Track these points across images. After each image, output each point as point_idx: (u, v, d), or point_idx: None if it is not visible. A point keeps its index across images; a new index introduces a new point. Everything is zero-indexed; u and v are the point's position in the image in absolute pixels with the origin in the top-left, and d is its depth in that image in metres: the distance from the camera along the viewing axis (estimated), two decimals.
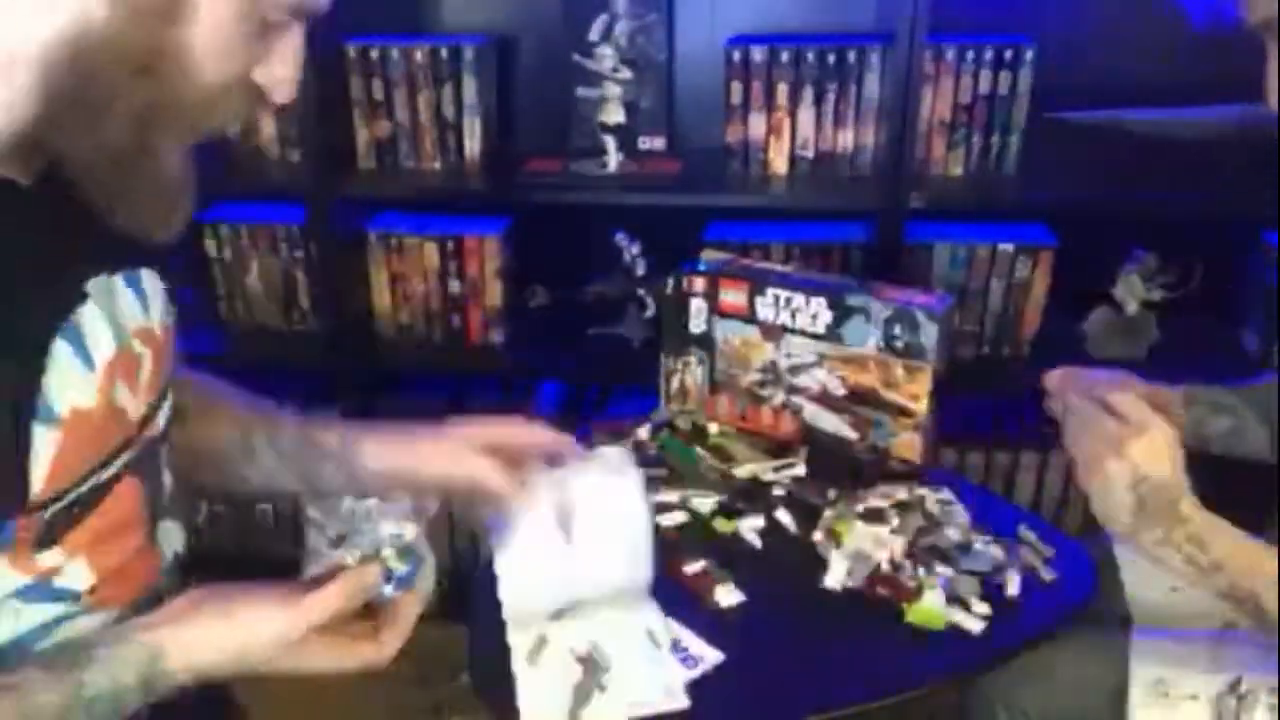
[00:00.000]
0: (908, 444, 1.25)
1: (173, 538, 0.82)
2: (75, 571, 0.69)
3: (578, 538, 0.91)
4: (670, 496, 1.21)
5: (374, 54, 1.77)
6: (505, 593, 1.02)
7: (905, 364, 1.21)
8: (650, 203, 1.79)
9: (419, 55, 1.77)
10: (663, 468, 1.28)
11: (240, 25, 0.59)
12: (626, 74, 1.75)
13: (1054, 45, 1.68)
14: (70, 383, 0.64)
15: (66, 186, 0.61)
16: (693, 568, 1.08)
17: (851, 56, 1.70)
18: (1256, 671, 0.97)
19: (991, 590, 1.04)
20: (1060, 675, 1.05)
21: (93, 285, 0.67)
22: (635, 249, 1.82)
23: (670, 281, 1.36)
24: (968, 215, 1.83)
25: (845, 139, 1.75)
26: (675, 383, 1.41)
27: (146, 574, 0.77)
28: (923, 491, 1.20)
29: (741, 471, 1.26)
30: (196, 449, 0.87)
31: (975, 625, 1.00)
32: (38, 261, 0.62)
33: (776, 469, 1.26)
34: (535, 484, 0.88)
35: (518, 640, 0.95)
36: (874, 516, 1.15)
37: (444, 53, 1.77)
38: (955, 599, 1.03)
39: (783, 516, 1.18)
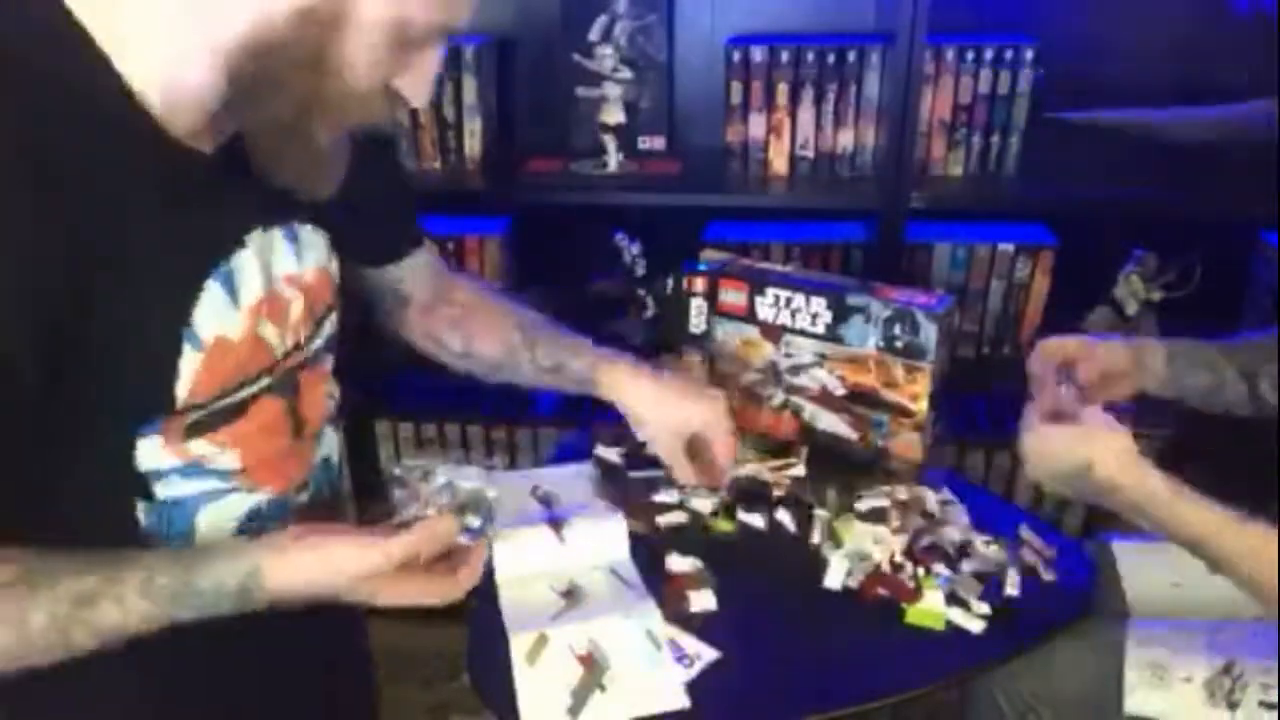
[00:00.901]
0: (907, 444, 1.24)
1: (328, 442, 0.96)
2: (226, 458, 0.81)
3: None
4: (669, 497, 1.21)
5: None
6: (504, 598, 1.03)
7: (905, 364, 1.21)
8: (650, 203, 1.79)
9: None
10: (660, 469, 1.28)
11: (387, 39, 0.68)
12: (626, 74, 1.75)
13: (1054, 45, 1.68)
14: (217, 316, 0.74)
15: (239, 155, 0.73)
16: (678, 567, 1.08)
17: (851, 56, 1.70)
18: (1251, 656, 0.98)
19: (991, 590, 1.04)
20: (1060, 662, 1.05)
21: (252, 236, 0.78)
22: (635, 249, 1.82)
23: (670, 281, 1.36)
24: (968, 215, 1.83)
25: (845, 139, 1.75)
26: None
27: (297, 467, 0.89)
28: (923, 492, 1.20)
29: (742, 471, 1.26)
30: (474, 354, 1.13)
31: (975, 625, 1.00)
32: (203, 215, 0.73)
33: (776, 469, 1.26)
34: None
35: (518, 641, 0.95)
36: (874, 516, 1.15)
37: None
38: (955, 599, 1.03)
39: (783, 516, 1.18)
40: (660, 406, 1.09)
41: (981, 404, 1.94)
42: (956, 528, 1.14)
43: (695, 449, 1.10)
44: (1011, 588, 1.04)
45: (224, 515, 0.83)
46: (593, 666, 0.93)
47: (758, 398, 1.35)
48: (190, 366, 0.73)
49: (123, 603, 0.70)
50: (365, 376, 1.94)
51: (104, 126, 0.66)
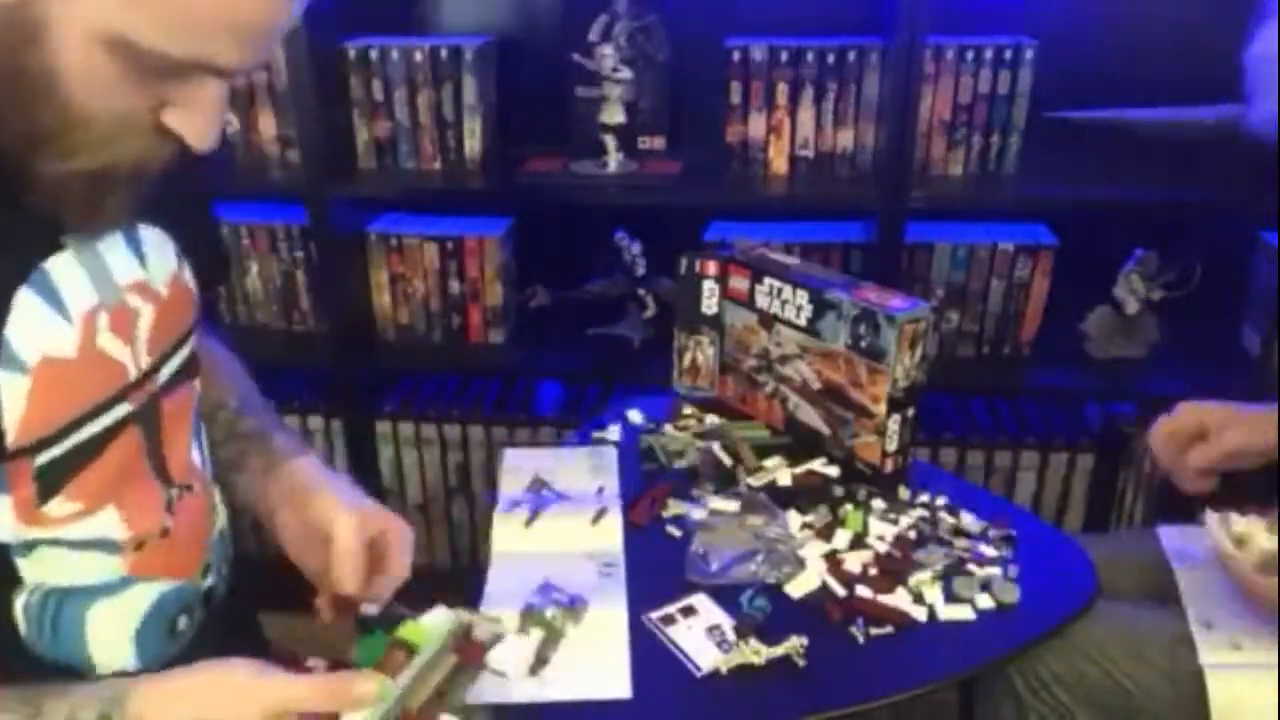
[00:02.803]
0: (869, 446, 1.24)
1: (222, 513, 0.86)
2: (105, 520, 0.71)
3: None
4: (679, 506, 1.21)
5: (374, 54, 1.77)
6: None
7: (868, 365, 1.20)
8: (650, 203, 1.79)
9: (419, 55, 1.77)
10: (655, 462, 1.29)
11: (111, 62, 0.57)
12: (626, 74, 1.75)
13: (1054, 45, 1.68)
14: (40, 331, 0.65)
15: None
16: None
17: (851, 56, 1.70)
18: None
19: (991, 590, 1.04)
20: (1077, 642, 1.05)
21: (73, 238, 0.68)
22: (635, 249, 1.82)
23: (684, 262, 1.39)
24: (968, 215, 1.83)
25: (845, 139, 1.75)
26: (687, 359, 1.43)
27: (193, 537, 0.79)
28: (918, 493, 1.20)
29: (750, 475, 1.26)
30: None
31: (973, 623, 1.00)
32: (4, 216, 0.63)
33: (766, 468, 1.26)
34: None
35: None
36: (868, 515, 1.15)
37: (444, 53, 1.77)
38: (955, 598, 1.03)
39: (775, 513, 1.17)
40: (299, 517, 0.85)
41: (981, 404, 1.94)
42: (954, 528, 1.14)
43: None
44: (1011, 588, 1.04)
45: (122, 613, 0.73)
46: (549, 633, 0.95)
47: (755, 383, 1.36)
48: (14, 395, 0.63)
49: None
50: (365, 376, 1.94)
51: None
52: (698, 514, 1.17)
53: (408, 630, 0.76)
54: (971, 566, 1.07)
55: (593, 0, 1.75)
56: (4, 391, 0.63)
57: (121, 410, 0.72)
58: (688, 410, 1.41)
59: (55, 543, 0.69)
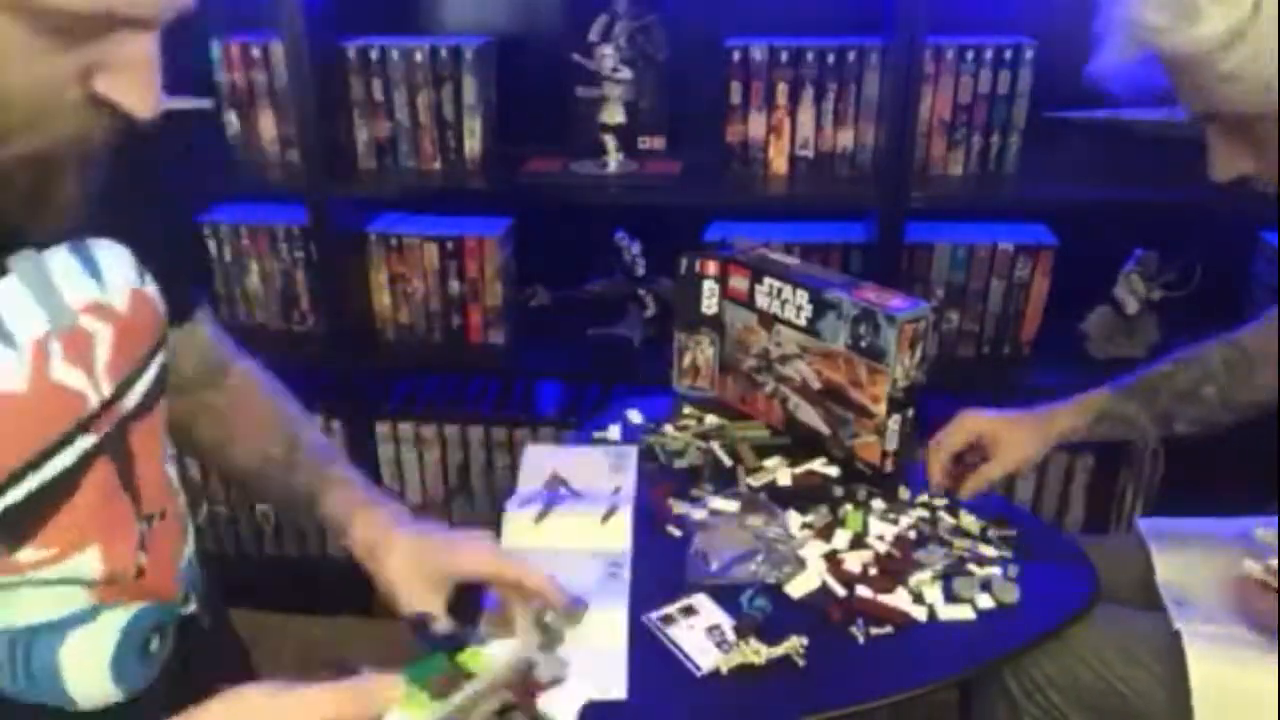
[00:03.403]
0: (868, 446, 1.24)
1: (191, 535, 0.82)
2: (81, 561, 0.67)
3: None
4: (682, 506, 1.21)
5: (374, 54, 1.77)
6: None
7: (868, 365, 1.20)
8: (650, 203, 1.79)
9: (419, 55, 1.77)
10: (655, 462, 1.28)
11: (15, 26, 0.51)
12: (626, 74, 1.75)
13: (1054, 45, 1.68)
14: None
15: None
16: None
17: (851, 56, 1.70)
18: None
19: (991, 590, 1.04)
20: (1071, 645, 1.05)
21: (17, 259, 0.63)
22: (635, 249, 1.82)
23: (684, 262, 1.39)
24: (968, 215, 1.83)
25: (845, 138, 1.75)
26: (688, 359, 1.43)
27: (167, 562, 0.76)
28: (919, 493, 1.20)
29: (751, 475, 1.26)
30: (225, 458, 0.91)
31: (973, 623, 1.00)
32: None
33: (766, 468, 1.26)
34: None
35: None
36: (868, 515, 1.15)
37: (444, 53, 1.77)
38: (955, 598, 1.03)
39: (775, 513, 1.17)
40: (419, 559, 0.85)
41: (981, 404, 1.94)
42: (954, 528, 1.14)
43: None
44: (1011, 588, 1.04)
45: (96, 643, 0.69)
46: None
47: (755, 383, 1.36)
48: None
49: None
50: (365, 376, 1.94)
51: None
52: (698, 514, 1.17)
53: (468, 656, 0.70)
54: (971, 566, 1.07)
55: (593, 0, 1.75)
56: None
57: (85, 443, 0.67)
58: (688, 410, 1.40)
59: (24, 583, 0.65)
